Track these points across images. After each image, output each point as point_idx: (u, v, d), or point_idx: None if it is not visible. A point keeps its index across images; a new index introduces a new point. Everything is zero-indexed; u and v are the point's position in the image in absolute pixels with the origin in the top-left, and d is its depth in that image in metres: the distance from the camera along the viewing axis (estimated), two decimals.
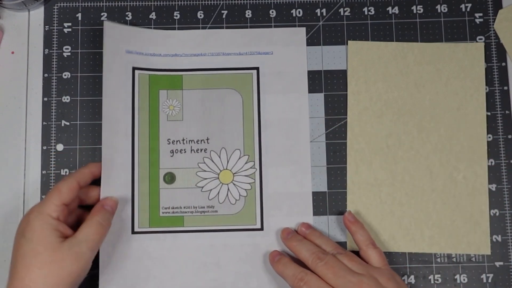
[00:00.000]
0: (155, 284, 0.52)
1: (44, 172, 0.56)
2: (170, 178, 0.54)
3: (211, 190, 0.54)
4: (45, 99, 0.57)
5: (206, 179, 0.54)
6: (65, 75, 0.57)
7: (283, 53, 0.56)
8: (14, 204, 0.55)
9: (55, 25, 0.58)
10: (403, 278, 0.54)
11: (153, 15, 0.58)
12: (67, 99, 0.57)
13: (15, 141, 0.56)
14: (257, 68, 0.56)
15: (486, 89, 0.56)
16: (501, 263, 0.54)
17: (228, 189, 0.54)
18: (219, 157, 0.55)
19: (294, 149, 0.55)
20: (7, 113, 0.57)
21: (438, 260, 0.54)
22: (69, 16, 0.58)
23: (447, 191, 0.55)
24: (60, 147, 0.56)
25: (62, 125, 0.56)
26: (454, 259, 0.54)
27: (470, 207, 0.55)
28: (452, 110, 0.56)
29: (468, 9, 0.58)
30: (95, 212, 0.49)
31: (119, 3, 0.58)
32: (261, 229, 0.54)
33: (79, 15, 0.58)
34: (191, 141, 0.55)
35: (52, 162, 0.56)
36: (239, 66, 0.56)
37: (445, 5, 0.58)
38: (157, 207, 0.54)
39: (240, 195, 0.54)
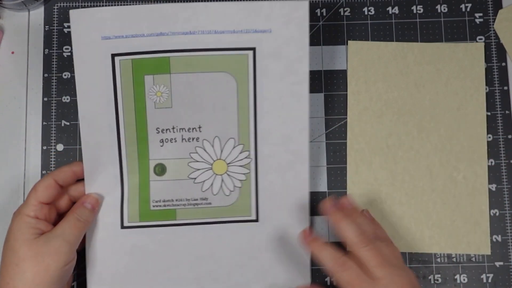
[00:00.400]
0: (148, 278, 0.52)
1: (44, 172, 0.56)
2: (160, 169, 0.51)
3: (204, 181, 0.52)
4: (45, 99, 0.57)
5: (198, 170, 0.52)
6: (65, 75, 0.57)
7: (283, 32, 0.50)
8: (14, 204, 0.55)
9: (55, 25, 0.58)
10: None
11: None
12: (67, 99, 0.57)
13: (15, 141, 0.56)
14: (253, 49, 0.50)
15: (486, 89, 0.56)
16: (501, 263, 0.54)
17: (222, 180, 0.52)
18: (212, 147, 0.51)
19: (292, 139, 0.51)
20: (7, 113, 0.57)
21: (438, 260, 0.54)
22: (69, 16, 0.58)
23: (447, 191, 0.55)
24: (60, 147, 0.56)
25: (62, 125, 0.56)
26: (454, 259, 0.54)
27: (470, 207, 0.55)
28: (452, 110, 0.56)
29: (468, 9, 0.58)
30: (73, 209, 0.49)
31: (119, 3, 0.58)
32: (256, 220, 0.52)
33: None
34: (182, 129, 0.51)
35: (52, 162, 0.56)
36: (233, 46, 0.50)
37: (445, 5, 0.58)
38: (148, 200, 0.51)
39: (234, 186, 0.52)
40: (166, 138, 0.51)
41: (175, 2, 0.56)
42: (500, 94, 0.57)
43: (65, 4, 0.58)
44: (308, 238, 0.49)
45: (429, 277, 0.54)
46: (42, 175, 0.55)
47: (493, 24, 0.58)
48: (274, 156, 0.51)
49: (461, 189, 0.55)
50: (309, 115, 0.51)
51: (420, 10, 0.58)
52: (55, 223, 0.49)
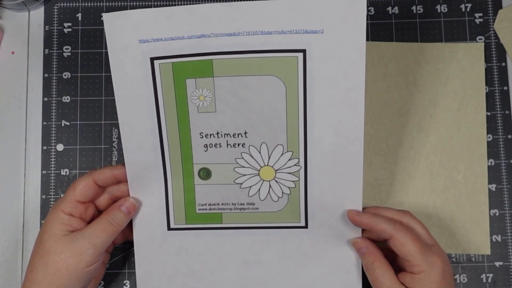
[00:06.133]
0: (194, 279, 0.51)
1: (44, 172, 0.56)
2: (205, 173, 0.50)
3: (251, 186, 0.50)
4: (45, 99, 0.57)
5: (245, 175, 0.49)
6: (65, 75, 0.57)
7: (336, 32, 0.45)
8: (14, 204, 0.55)
9: (55, 25, 0.58)
10: None
11: None
12: (67, 99, 0.57)
13: (15, 141, 0.56)
14: (303, 51, 0.46)
15: (486, 89, 0.56)
16: (501, 263, 0.54)
17: (270, 186, 0.50)
18: (259, 153, 0.49)
19: (345, 149, 0.47)
20: (7, 113, 0.57)
21: None
22: (69, 16, 0.58)
23: (447, 191, 0.55)
24: (60, 147, 0.56)
25: (62, 125, 0.56)
26: (454, 259, 0.54)
27: (470, 207, 0.55)
28: (452, 110, 0.56)
29: (468, 9, 0.58)
30: (108, 211, 0.49)
31: (119, 3, 0.58)
32: (306, 227, 0.50)
33: (79, 15, 0.58)
34: (227, 134, 0.48)
35: (52, 162, 0.56)
36: (281, 48, 0.45)
37: (445, 5, 0.58)
38: (193, 203, 0.50)
39: (283, 192, 0.50)
40: (210, 143, 0.49)
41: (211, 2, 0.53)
42: (500, 94, 0.57)
43: (65, 4, 0.58)
44: (359, 213, 0.48)
45: None
46: (42, 175, 0.55)
47: (493, 24, 0.58)
48: (324, 165, 0.48)
49: (461, 189, 0.55)
50: (364, 124, 0.47)
51: (420, 10, 0.58)
52: (92, 220, 0.49)
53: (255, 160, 0.49)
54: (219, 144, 0.49)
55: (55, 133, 0.56)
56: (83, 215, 0.48)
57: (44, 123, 0.56)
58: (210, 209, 0.50)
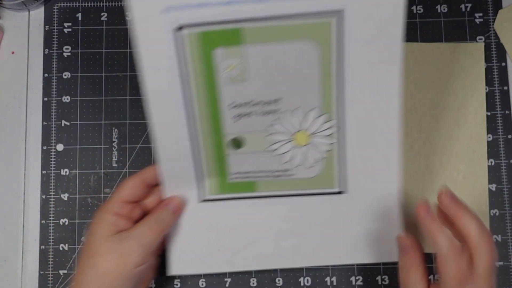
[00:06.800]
0: (229, 254, 0.50)
1: (44, 172, 0.56)
2: (237, 143, 0.48)
3: (285, 153, 0.49)
4: (45, 99, 0.57)
5: (278, 142, 0.48)
6: (65, 75, 0.57)
7: None
8: (14, 204, 0.55)
9: (55, 25, 0.58)
10: None
11: None
12: (67, 99, 0.57)
13: (15, 141, 0.56)
14: (341, 11, 0.43)
15: (486, 89, 0.57)
16: (501, 263, 0.54)
17: (305, 151, 0.48)
18: (294, 118, 0.47)
19: (382, 106, 0.46)
20: (7, 113, 0.57)
21: None
22: (69, 16, 0.58)
23: None
24: (60, 147, 0.56)
25: (62, 125, 0.56)
26: None
27: (470, 207, 0.55)
28: (452, 110, 0.56)
29: (468, 9, 0.58)
30: (155, 210, 0.48)
31: (119, 3, 0.58)
32: (341, 192, 0.49)
33: (79, 15, 0.58)
34: (259, 103, 0.47)
35: (52, 162, 0.56)
36: (316, 10, 0.43)
37: (445, 5, 0.58)
38: (225, 173, 0.49)
39: (318, 157, 0.48)
40: (242, 113, 0.47)
41: None
42: (500, 94, 0.57)
43: (65, 4, 0.58)
44: (427, 215, 0.45)
45: (429, 277, 0.54)
46: (42, 175, 0.55)
47: (493, 24, 0.58)
48: (362, 125, 0.47)
49: (461, 189, 0.55)
50: (401, 80, 0.45)
51: (420, 10, 0.58)
52: (139, 220, 0.48)
53: (289, 125, 0.48)
54: (251, 113, 0.47)
55: (55, 133, 0.56)
56: (130, 215, 0.47)
57: (44, 123, 0.56)
58: (244, 177, 0.49)
